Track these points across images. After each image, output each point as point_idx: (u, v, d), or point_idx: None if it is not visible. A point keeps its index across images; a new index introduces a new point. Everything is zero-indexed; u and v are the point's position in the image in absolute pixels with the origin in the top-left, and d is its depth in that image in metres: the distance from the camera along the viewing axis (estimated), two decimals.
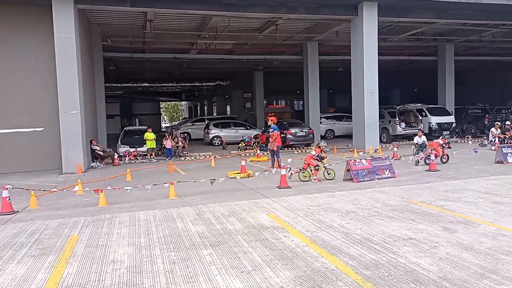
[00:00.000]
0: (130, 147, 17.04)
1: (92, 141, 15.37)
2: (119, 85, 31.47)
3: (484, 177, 9.26)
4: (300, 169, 9.75)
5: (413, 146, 14.59)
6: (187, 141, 19.58)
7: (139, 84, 32.90)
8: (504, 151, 11.56)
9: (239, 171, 11.05)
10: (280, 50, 23.51)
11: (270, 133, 12.50)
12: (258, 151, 16.16)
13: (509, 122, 17.15)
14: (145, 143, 16.71)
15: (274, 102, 40.64)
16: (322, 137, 22.94)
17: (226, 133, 22.69)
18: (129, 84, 32.48)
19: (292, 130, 18.75)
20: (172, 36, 19.49)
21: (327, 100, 36.32)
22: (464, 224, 5.60)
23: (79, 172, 12.34)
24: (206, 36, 19.39)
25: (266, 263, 4.42)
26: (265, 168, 11.23)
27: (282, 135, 18.46)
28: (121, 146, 17.29)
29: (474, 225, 5.53)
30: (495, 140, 15.59)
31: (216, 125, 23.58)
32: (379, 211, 6.51)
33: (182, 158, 16.65)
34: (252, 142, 19.20)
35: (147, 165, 14.66)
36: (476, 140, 18.73)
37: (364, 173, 9.40)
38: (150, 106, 47.17)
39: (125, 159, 16.18)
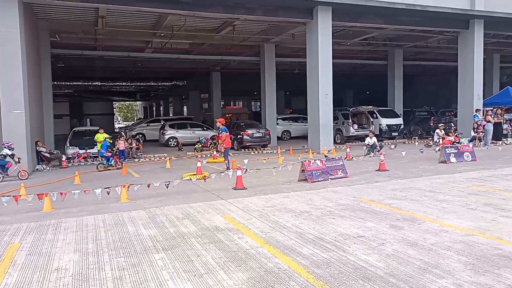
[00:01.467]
0: (79, 149, 16.31)
1: (38, 142, 14.51)
2: (68, 83, 30.06)
3: (428, 176, 9.77)
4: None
5: (365, 147, 15.17)
6: (141, 142, 19.05)
7: (90, 83, 31.61)
8: (447, 152, 12.27)
9: (195, 173, 10.91)
10: (237, 51, 23.52)
11: (220, 135, 12.53)
12: (215, 152, 16.04)
13: (452, 124, 18.24)
14: (96, 145, 16.05)
15: (232, 103, 40.67)
16: (279, 138, 23.25)
17: (182, 134, 22.35)
18: (80, 83, 31.11)
19: (249, 131, 18.82)
20: (126, 34, 18.89)
21: (284, 101, 36.92)
22: (410, 221, 5.86)
23: (23, 176, 11.60)
24: (162, 35, 19.00)
25: (219, 265, 4.38)
26: (222, 170, 11.17)
27: (239, 136, 18.63)
28: (70, 147, 16.49)
29: (419, 222, 5.81)
30: (439, 141, 16.52)
31: (172, 126, 23.15)
32: (332, 210, 6.67)
33: (136, 160, 16.18)
34: (209, 143, 19.03)
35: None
36: (422, 141, 19.75)
37: (318, 173, 9.60)
38: (102, 106, 45.48)
39: (74, 161, 15.45)
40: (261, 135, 19.21)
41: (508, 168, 10.55)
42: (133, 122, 47.46)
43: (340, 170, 10.00)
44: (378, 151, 13.84)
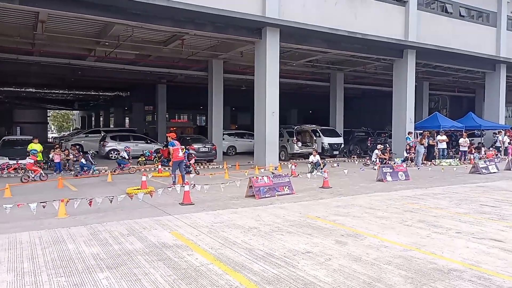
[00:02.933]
0: (9, 159, 15.08)
1: None
2: None
3: (368, 194, 10.32)
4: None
5: (309, 164, 15.68)
6: (81, 153, 18.02)
7: (23, 89, 29.47)
8: (384, 171, 13.08)
9: (139, 187, 10.56)
10: (185, 65, 23.38)
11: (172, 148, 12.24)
12: (160, 166, 15.65)
13: (388, 146, 19.49)
14: (29, 155, 14.94)
15: (177, 116, 40.06)
16: (225, 154, 23.26)
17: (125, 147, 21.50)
18: (11, 88, 28.88)
19: (195, 146, 18.65)
20: (68, 41, 17.98)
21: (230, 117, 37.09)
22: (353, 237, 6.15)
23: None
24: (107, 44, 18.37)
25: (169, 284, 4.27)
26: (167, 184, 10.93)
27: (184, 151, 18.33)
28: None
29: (361, 237, 6.11)
30: (376, 160, 17.56)
31: (113, 138, 22.23)
32: (280, 226, 6.80)
33: (73, 173, 15.28)
34: (153, 156, 18.52)
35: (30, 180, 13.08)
36: (360, 160, 20.84)
37: (265, 189, 9.75)
38: (35, 113, 42.48)
39: (3, 173, 14.24)
40: (207, 150, 19.11)
41: (437, 188, 11.47)
42: (69, 132, 44.85)
43: (287, 187, 10.24)
44: (322, 168, 14.37)
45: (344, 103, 27.29)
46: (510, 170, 16.13)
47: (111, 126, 42.10)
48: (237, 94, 28.72)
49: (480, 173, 14.80)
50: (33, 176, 12.95)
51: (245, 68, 23.58)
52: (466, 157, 20.14)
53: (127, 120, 41.19)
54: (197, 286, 4.20)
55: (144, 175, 11.24)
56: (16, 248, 5.50)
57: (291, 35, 17.10)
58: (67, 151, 16.65)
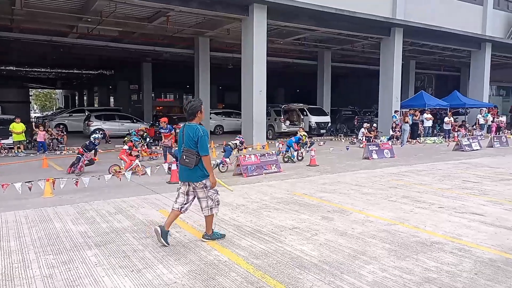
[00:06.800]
0: None
1: None
2: None
3: (354, 171, 10.47)
4: None
5: None
6: (65, 133, 17.75)
7: (3, 67, 28.60)
8: (370, 149, 13.24)
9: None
10: (171, 42, 22.92)
11: (168, 133, 12.26)
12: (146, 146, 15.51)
13: (375, 124, 19.67)
14: (11, 135, 14.66)
15: (163, 95, 39.52)
16: (212, 133, 23.17)
17: (110, 126, 21.28)
18: None
19: (182, 125, 18.51)
20: (48, 16, 17.36)
21: (217, 96, 36.76)
22: (339, 213, 6.26)
23: None
24: (89, 20, 17.81)
25: (158, 260, 4.31)
26: (154, 164, 10.88)
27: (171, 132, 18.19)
28: None
29: (347, 213, 6.23)
30: (363, 138, 17.75)
31: (98, 117, 21.92)
32: (267, 203, 6.88)
33: (58, 152, 15.08)
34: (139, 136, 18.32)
35: (13, 160, 12.90)
36: (347, 139, 21.03)
37: (253, 168, 9.80)
38: (16, 92, 41.22)
39: None
40: None
41: (421, 165, 11.69)
42: (52, 112, 43.95)
43: (274, 165, 10.30)
44: (309, 147, 14.43)
45: (331, 82, 27.29)
46: (492, 147, 16.50)
47: (96, 105, 41.37)
48: (224, 73, 28.42)
49: (463, 150, 15.11)
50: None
51: (232, 46, 23.24)
52: (450, 134, 20.51)
53: (111, 99, 40.46)
54: (186, 261, 4.25)
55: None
56: (2, 228, 5.46)
57: (278, 12, 16.85)
58: (50, 130, 16.36)
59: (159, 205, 6.81)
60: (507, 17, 25.27)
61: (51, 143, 15.70)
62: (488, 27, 23.89)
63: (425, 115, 20.31)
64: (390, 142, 14.82)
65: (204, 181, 4.65)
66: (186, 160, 4.57)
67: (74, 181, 7.86)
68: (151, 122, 23.49)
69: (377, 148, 13.38)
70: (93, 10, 16.14)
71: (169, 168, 9.20)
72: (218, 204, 4.81)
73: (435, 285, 3.67)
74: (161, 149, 13.72)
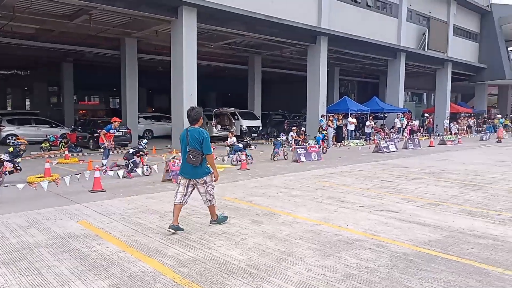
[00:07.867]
0: None
1: None
2: None
3: (284, 174, 10.74)
4: None
5: (227, 147, 15.75)
6: None
7: None
8: (299, 152, 13.70)
9: (42, 175, 9.68)
10: (94, 42, 21.69)
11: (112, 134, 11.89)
12: (66, 152, 14.50)
13: (303, 128, 20.40)
14: None
15: (87, 98, 37.30)
16: (140, 137, 22.32)
17: (25, 131, 19.50)
18: None
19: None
20: None
21: (146, 99, 35.61)
22: (268, 216, 6.36)
23: None
24: (0, 15, 16.21)
25: (76, 275, 4.00)
26: (75, 171, 10.18)
27: (95, 135, 17.18)
28: None
29: (276, 216, 6.35)
30: (292, 141, 18.28)
31: (11, 121, 19.99)
32: (197, 209, 6.75)
33: None
34: (59, 142, 17.05)
35: None
36: None
37: None
38: None
39: None
40: (121, 134, 18.08)
41: (345, 166, 12.35)
42: None
43: None
44: (244, 148, 14.45)
45: (262, 86, 27.82)
46: (407, 149, 17.99)
47: (8, 108, 37.72)
48: (153, 76, 27.63)
49: (381, 152, 16.27)
50: None
51: (161, 49, 22.66)
52: (371, 137, 21.98)
53: (27, 102, 37.21)
54: (107, 275, 4.00)
55: (48, 161, 10.32)
56: None
57: (209, 16, 16.79)
58: None
59: (79, 215, 6.36)
60: (418, 29, 27.85)
61: None
62: (402, 38, 26.11)
63: (349, 119, 21.54)
64: (317, 146, 15.44)
65: (204, 178, 5.41)
66: (192, 159, 5.24)
67: None
68: (72, 126, 22.00)
69: (305, 151, 13.87)
70: (4, 4, 14.72)
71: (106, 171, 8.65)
72: (213, 198, 5.62)
73: (355, 281, 3.86)
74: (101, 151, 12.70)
